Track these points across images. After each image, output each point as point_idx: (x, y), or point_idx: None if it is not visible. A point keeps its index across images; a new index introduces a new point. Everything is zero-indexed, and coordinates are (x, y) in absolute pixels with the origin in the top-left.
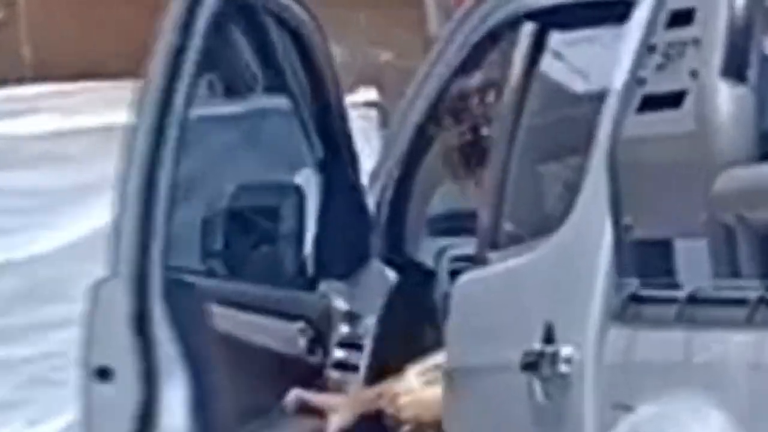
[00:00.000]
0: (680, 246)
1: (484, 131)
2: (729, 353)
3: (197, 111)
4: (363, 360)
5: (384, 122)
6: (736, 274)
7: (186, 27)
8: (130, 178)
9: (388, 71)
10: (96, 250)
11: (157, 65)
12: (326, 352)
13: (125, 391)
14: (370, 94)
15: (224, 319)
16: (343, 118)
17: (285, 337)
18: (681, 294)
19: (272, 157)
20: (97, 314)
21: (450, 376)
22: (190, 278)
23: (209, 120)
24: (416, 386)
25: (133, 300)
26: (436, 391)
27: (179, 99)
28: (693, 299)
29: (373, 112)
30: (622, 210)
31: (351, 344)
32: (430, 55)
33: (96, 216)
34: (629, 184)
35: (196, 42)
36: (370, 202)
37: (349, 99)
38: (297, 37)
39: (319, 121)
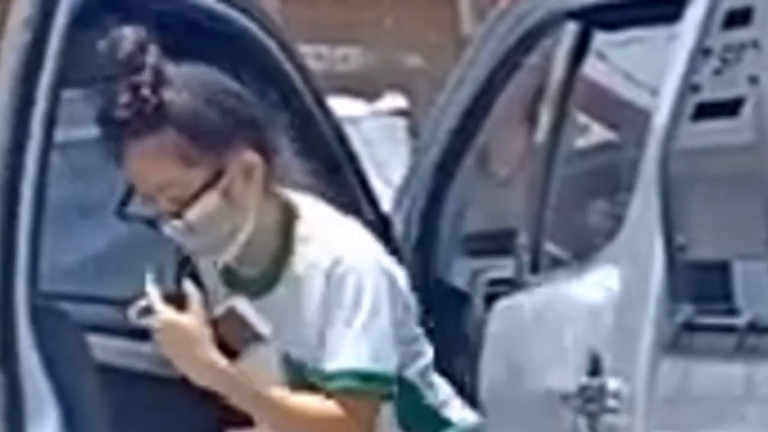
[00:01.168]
0: (739, 268)
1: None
2: None
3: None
4: None
5: (414, 131)
6: None
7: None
8: None
9: (417, 76)
10: None
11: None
12: None
13: None
14: (398, 101)
15: (114, 351)
16: (334, 130)
17: None
18: (740, 321)
19: None
20: None
21: (495, 409)
22: (70, 306)
23: None
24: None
25: None
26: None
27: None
28: (753, 327)
29: (400, 121)
30: (675, 228)
31: None
32: (463, 59)
33: None
34: (682, 200)
35: (54, 44)
36: (396, 218)
37: (374, 107)
38: (242, 45)
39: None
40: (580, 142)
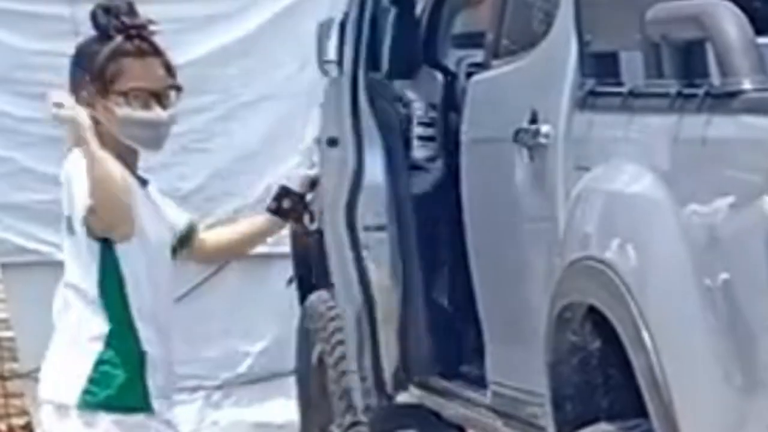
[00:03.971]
0: (623, 56)
1: None
2: (656, 130)
3: None
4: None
5: None
6: (661, 75)
7: None
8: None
9: None
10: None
11: None
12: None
13: (345, 153)
14: None
15: None
16: None
17: None
18: (624, 89)
19: None
20: (327, 104)
21: (469, 146)
22: (384, 80)
23: None
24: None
25: (350, 94)
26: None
27: None
28: (632, 93)
29: None
30: (584, 30)
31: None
32: None
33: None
34: (589, 13)
35: None
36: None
37: None
38: None
39: None
40: None
